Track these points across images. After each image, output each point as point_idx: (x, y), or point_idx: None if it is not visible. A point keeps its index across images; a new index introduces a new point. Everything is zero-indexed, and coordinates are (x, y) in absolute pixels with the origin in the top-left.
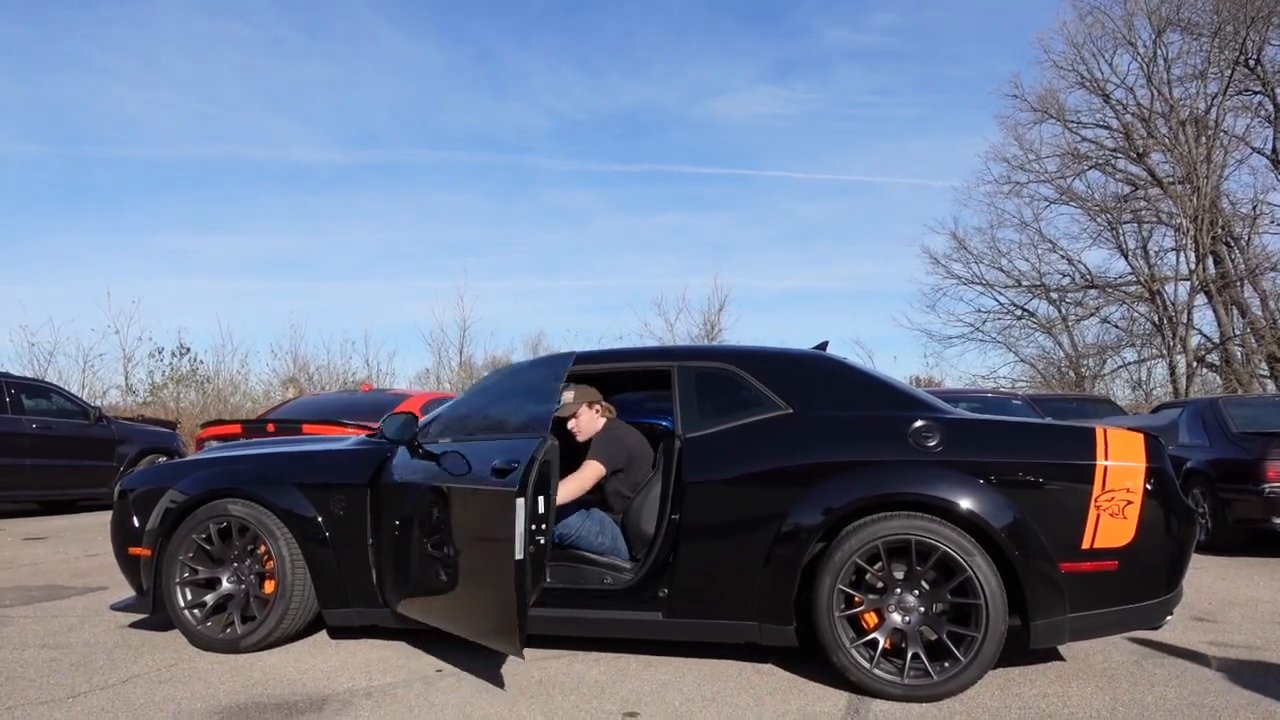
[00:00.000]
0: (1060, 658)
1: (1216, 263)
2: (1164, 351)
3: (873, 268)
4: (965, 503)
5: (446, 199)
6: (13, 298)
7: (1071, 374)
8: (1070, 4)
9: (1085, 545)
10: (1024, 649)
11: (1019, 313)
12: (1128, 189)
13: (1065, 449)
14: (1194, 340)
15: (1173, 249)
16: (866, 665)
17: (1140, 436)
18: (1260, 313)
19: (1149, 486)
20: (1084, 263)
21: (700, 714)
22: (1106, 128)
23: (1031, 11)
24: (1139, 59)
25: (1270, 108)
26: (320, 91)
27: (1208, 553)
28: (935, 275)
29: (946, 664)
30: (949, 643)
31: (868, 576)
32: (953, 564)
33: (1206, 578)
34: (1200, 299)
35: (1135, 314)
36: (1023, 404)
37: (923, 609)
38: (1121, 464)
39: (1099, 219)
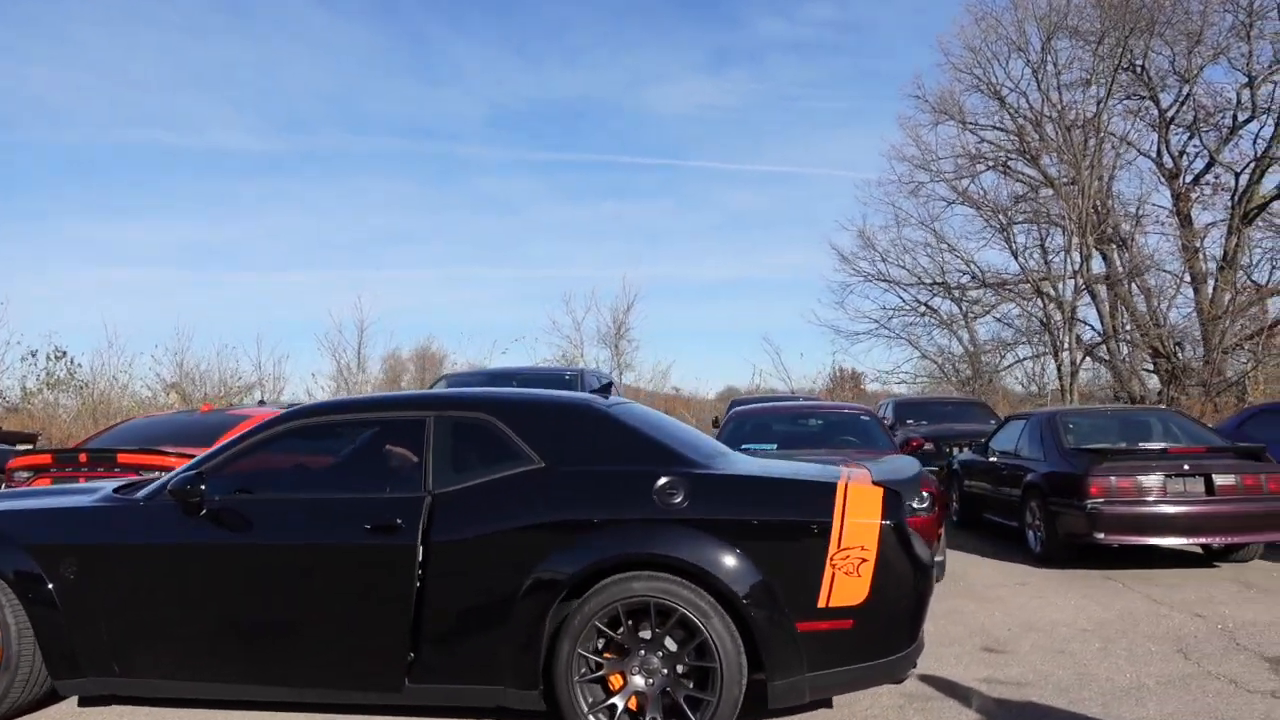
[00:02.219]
0: (828, 705)
1: (1106, 262)
2: (1052, 349)
3: (799, 258)
4: (703, 562)
5: (377, 186)
6: None
7: (969, 370)
8: (966, 9)
9: (821, 604)
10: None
11: (921, 310)
12: (1023, 190)
13: (803, 505)
14: (1086, 335)
15: (1063, 249)
16: None
17: (879, 492)
18: (1144, 310)
19: (883, 543)
20: (982, 262)
21: None
22: (1002, 130)
23: (958, 8)
24: (1030, 64)
25: (1155, 112)
26: (242, 73)
27: (1041, 566)
28: (842, 272)
29: None
30: (685, 707)
31: (616, 638)
32: (691, 626)
33: (1023, 596)
34: (1085, 297)
35: (1027, 312)
36: (871, 419)
37: (665, 671)
38: (858, 521)
39: (992, 219)
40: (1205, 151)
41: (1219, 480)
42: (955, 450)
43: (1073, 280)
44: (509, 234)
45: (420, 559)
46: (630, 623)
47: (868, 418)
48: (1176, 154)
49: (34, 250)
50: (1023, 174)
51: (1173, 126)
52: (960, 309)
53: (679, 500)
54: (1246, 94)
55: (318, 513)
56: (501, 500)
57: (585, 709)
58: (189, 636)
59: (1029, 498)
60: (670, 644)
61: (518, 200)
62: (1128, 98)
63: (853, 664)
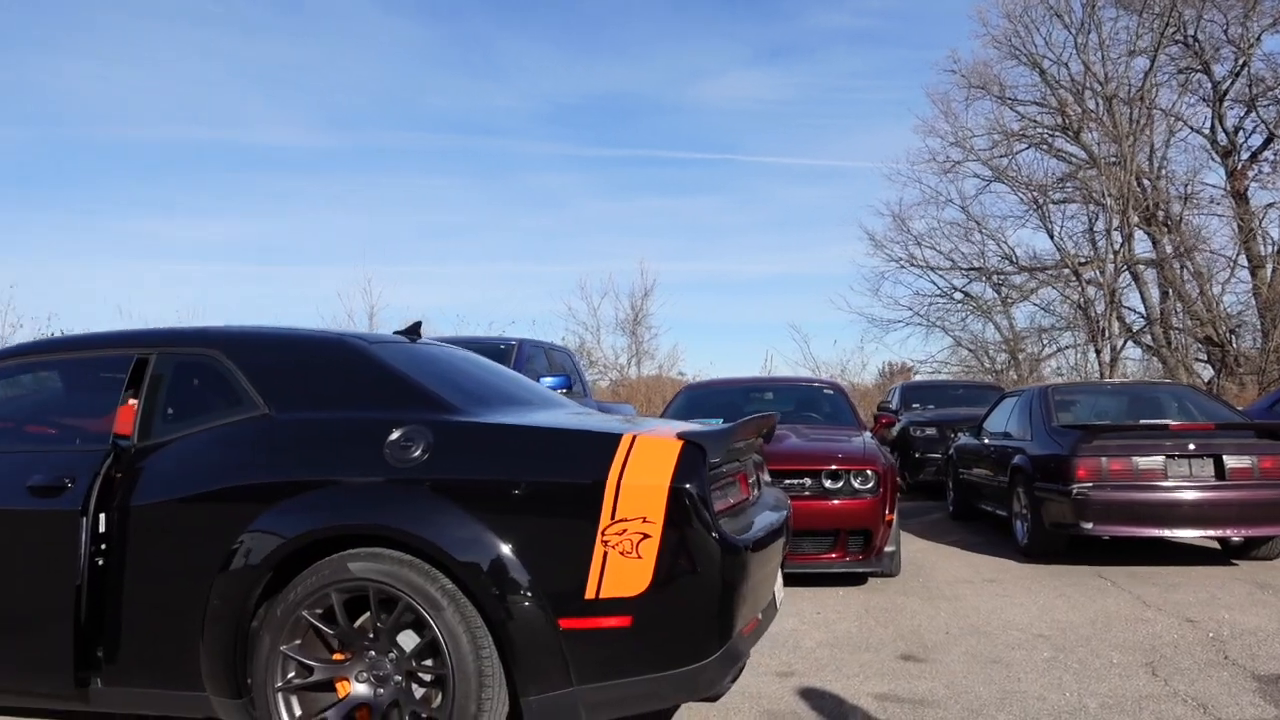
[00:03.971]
0: None
1: (1154, 245)
2: (1091, 335)
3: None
4: (434, 536)
5: (427, 183)
6: None
7: (1007, 358)
8: None
9: (590, 594)
10: None
11: (958, 295)
12: (1065, 169)
13: (568, 462)
14: (1129, 320)
15: (1106, 230)
16: None
17: (675, 446)
18: (1195, 295)
19: (672, 513)
20: (1021, 244)
21: None
22: (1042, 105)
23: None
24: (1070, 29)
25: (1208, 85)
26: (302, 73)
27: (1025, 561)
28: (876, 257)
29: None
30: None
31: (331, 634)
32: (421, 619)
33: (984, 594)
34: (1127, 279)
35: (1066, 297)
36: (836, 394)
37: (399, 678)
38: (639, 483)
39: (1030, 199)
40: (1263, 126)
41: (1231, 462)
42: (954, 436)
43: (1113, 263)
44: (557, 229)
45: (92, 528)
46: (348, 614)
47: (831, 391)
48: (1231, 130)
49: (105, 244)
50: (1064, 151)
51: (1227, 100)
52: (999, 294)
53: (416, 455)
54: None
55: None
56: (207, 456)
57: None
58: None
59: (1015, 483)
60: (406, 643)
61: (567, 195)
62: (1179, 71)
63: (636, 674)
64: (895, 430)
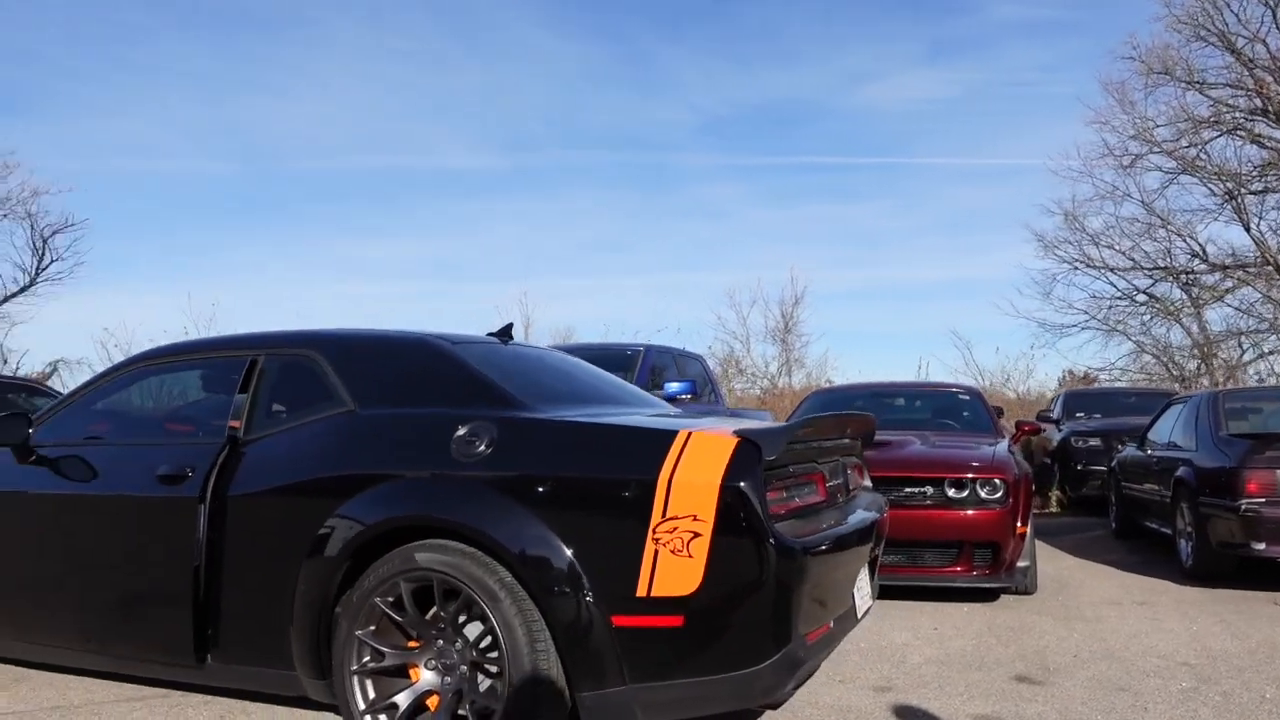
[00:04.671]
0: None
1: None
2: None
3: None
4: (492, 529)
5: (588, 197)
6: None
7: (1201, 364)
8: None
9: (641, 591)
10: None
11: (1140, 298)
12: (1264, 155)
13: (622, 459)
14: None
15: None
16: None
17: (729, 443)
18: None
19: (724, 511)
20: (1214, 240)
21: None
22: (1237, 87)
23: None
24: (1270, 6)
25: None
26: (470, 98)
27: (1188, 584)
28: (1047, 259)
29: None
30: (470, 714)
31: (403, 621)
32: (480, 611)
33: (1131, 617)
34: None
35: (1268, 297)
36: (972, 399)
37: (464, 668)
38: (690, 479)
39: (1223, 190)
40: None
41: None
42: (1119, 447)
43: None
44: (714, 240)
45: (209, 515)
46: (419, 604)
47: (967, 397)
48: None
49: (293, 268)
50: (1263, 136)
51: None
52: (1189, 295)
53: (479, 450)
54: None
55: (121, 460)
56: (301, 449)
57: (362, 706)
58: (10, 594)
59: (1179, 498)
60: (473, 632)
61: (727, 206)
62: None
63: (689, 675)
64: (1056, 440)
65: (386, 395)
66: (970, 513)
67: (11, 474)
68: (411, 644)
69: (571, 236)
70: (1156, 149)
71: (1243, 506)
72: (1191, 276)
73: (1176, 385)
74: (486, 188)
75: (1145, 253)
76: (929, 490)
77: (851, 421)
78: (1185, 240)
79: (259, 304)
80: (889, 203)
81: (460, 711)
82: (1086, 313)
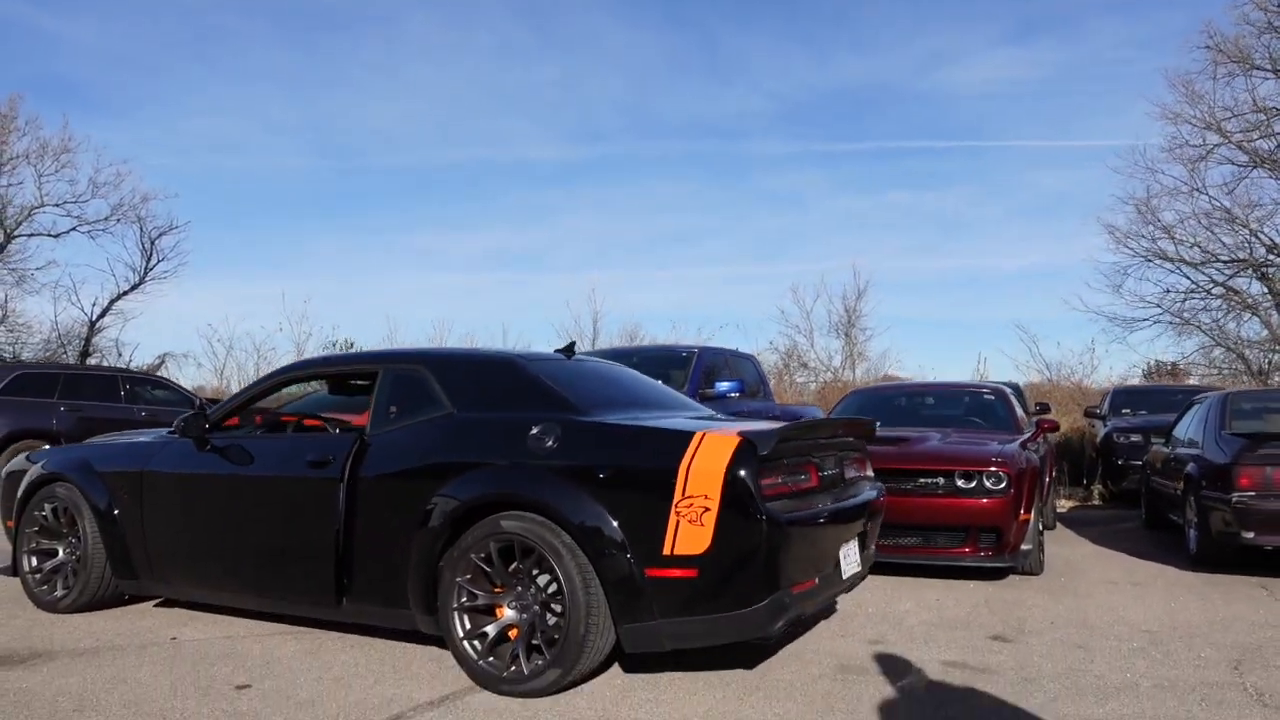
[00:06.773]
0: (748, 666)
1: None
2: None
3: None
4: (559, 504)
5: (664, 187)
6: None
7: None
8: None
9: (666, 551)
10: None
11: (1219, 291)
12: None
13: (653, 453)
14: None
15: None
16: (474, 657)
17: (733, 442)
18: None
19: (727, 493)
20: None
21: (309, 689)
22: None
23: None
24: None
25: None
26: (547, 90)
27: (1190, 569)
28: (1118, 253)
29: (539, 661)
30: (541, 642)
31: (491, 572)
32: (547, 564)
33: (1120, 594)
34: None
35: None
36: (997, 399)
37: (537, 607)
38: (703, 468)
39: None
40: None
41: None
42: (1154, 443)
43: None
44: (787, 229)
45: (347, 491)
46: (503, 559)
47: (993, 397)
48: None
49: (384, 259)
50: None
51: None
52: (1269, 289)
53: (549, 445)
54: None
55: (280, 450)
56: (414, 442)
57: (461, 634)
58: (191, 551)
59: (1187, 491)
60: (543, 581)
61: (803, 194)
62: None
63: (702, 614)
64: (1100, 436)
65: (478, 401)
66: (976, 501)
67: (193, 459)
68: (497, 589)
69: (646, 226)
70: (1229, 142)
71: (1235, 499)
72: (1273, 269)
73: (1246, 379)
74: (563, 178)
75: (1223, 244)
76: (941, 481)
77: (846, 424)
78: (1258, 234)
79: (342, 298)
80: (969, 189)
81: (534, 641)
82: (1159, 306)
